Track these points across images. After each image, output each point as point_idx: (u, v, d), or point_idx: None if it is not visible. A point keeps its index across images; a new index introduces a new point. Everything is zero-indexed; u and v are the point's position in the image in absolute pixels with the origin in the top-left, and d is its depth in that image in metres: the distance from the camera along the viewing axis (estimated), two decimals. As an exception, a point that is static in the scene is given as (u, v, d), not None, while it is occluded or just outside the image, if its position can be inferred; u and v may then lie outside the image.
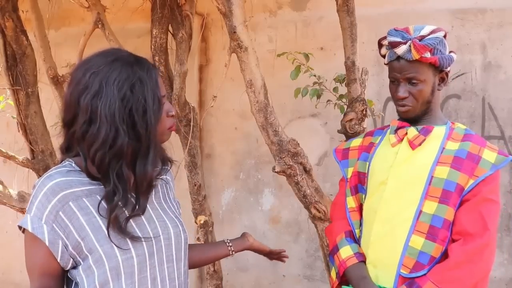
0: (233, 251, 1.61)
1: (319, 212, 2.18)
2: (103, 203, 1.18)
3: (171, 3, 2.70)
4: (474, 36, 3.24)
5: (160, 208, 1.32)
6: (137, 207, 1.22)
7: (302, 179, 2.20)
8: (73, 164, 1.22)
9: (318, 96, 2.56)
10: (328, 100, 2.57)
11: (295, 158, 2.18)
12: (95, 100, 1.14)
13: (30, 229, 1.15)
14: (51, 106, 3.29)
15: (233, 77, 2.64)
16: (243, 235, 1.69)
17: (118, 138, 1.15)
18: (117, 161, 1.17)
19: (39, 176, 3.00)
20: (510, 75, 3.22)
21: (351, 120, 2.23)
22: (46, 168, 2.97)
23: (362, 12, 2.52)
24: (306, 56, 2.61)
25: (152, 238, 1.24)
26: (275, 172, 2.21)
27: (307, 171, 2.22)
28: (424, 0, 3.29)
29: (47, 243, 1.15)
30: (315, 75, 2.55)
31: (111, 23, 3.03)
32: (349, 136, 2.22)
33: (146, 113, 1.18)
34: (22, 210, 2.85)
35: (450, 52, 1.62)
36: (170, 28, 2.82)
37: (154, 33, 2.75)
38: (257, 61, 2.17)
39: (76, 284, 1.22)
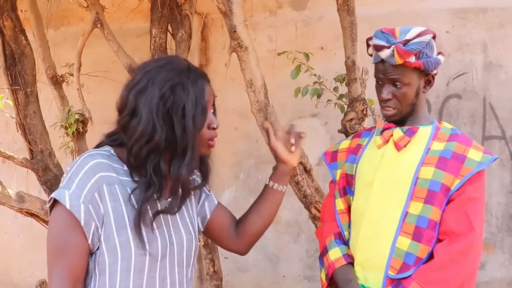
0: (281, 186, 1.54)
1: (320, 212, 2.17)
2: (134, 195, 1.21)
3: (171, 2, 2.70)
4: (475, 36, 3.22)
5: (178, 213, 1.34)
6: (171, 206, 1.27)
7: (303, 179, 2.19)
8: (112, 151, 1.27)
9: (319, 96, 2.55)
10: (329, 100, 2.56)
11: (295, 158, 2.17)
12: (140, 96, 1.22)
13: (68, 206, 1.15)
14: (50, 106, 3.28)
15: (233, 76, 2.62)
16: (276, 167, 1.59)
17: (156, 133, 1.20)
18: (154, 156, 1.22)
19: (38, 176, 2.99)
20: (511, 75, 3.21)
21: (351, 120, 2.23)
22: (45, 168, 2.95)
23: (362, 11, 2.52)
24: (306, 56, 2.60)
25: (167, 241, 1.27)
26: (275, 172, 2.19)
27: (307, 171, 2.22)
28: (425, -1, 3.29)
29: (82, 223, 1.16)
30: (315, 75, 2.54)
31: (110, 22, 3.02)
32: (349, 136, 2.21)
33: (184, 117, 1.23)
34: (21, 211, 2.82)
35: (439, 53, 1.60)
36: (169, 27, 2.81)
37: (153, 32, 2.74)
38: (257, 60, 2.16)
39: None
